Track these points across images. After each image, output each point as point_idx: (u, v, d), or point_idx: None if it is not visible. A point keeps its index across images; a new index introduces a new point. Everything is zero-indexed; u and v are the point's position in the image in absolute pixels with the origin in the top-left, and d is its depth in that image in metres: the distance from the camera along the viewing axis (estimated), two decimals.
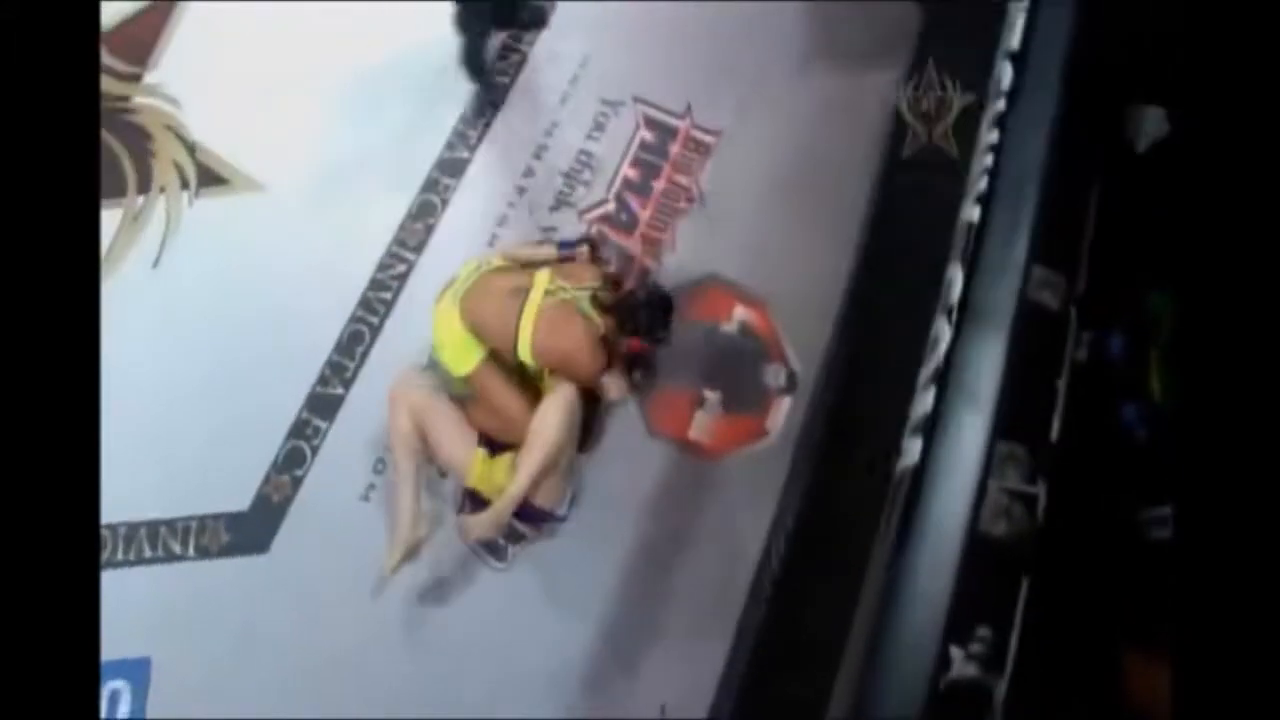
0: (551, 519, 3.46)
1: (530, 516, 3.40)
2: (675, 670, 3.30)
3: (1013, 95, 2.29)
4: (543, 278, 3.44)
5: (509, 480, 3.29)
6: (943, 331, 2.19)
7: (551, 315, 3.29)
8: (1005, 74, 2.40)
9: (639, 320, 3.35)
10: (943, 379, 2.03)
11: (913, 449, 2.07)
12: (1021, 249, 2.08)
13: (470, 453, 3.38)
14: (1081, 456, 2.22)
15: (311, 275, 3.84)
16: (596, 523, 3.51)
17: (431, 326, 3.49)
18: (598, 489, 3.55)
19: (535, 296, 3.35)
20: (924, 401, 2.13)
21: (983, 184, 2.20)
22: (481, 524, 3.25)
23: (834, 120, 3.97)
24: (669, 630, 3.39)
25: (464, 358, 3.42)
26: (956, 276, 2.24)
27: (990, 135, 2.36)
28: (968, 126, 3.01)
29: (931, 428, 1.92)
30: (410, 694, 3.28)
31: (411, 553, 3.40)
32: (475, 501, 3.40)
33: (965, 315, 2.06)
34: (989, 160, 2.27)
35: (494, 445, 3.42)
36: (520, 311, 3.31)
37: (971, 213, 2.32)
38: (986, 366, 1.98)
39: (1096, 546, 2.17)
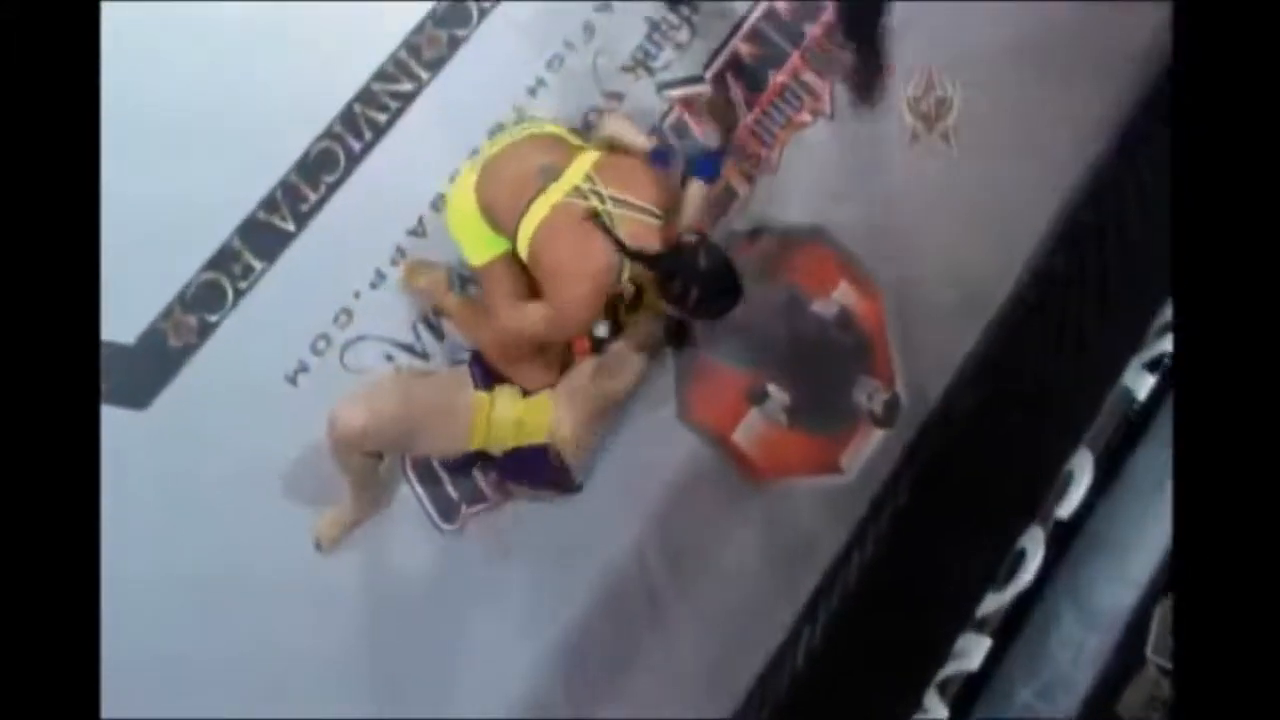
0: (566, 484, 2.75)
1: (543, 473, 2.70)
2: None
3: None
4: (583, 165, 2.50)
5: (542, 413, 2.65)
6: None
7: (564, 219, 2.45)
8: None
9: (685, 292, 2.42)
10: None
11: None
12: None
13: (465, 415, 2.60)
14: None
15: (283, 65, 2.90)
16: (576, 515, 2.80)
17: (448, 195, 2.71)
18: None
19: (561, 186, 2.48)
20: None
21: None
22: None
23: (1050, 80, 3.00)
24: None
25: (478, 245, 2.62)
26: None
27: None
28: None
29: None
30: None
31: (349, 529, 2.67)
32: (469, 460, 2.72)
33: None
34: None
35: (491, 379, 2.70)
36: (535, 196, 2.47)
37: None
38: None
39: None
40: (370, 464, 2.59)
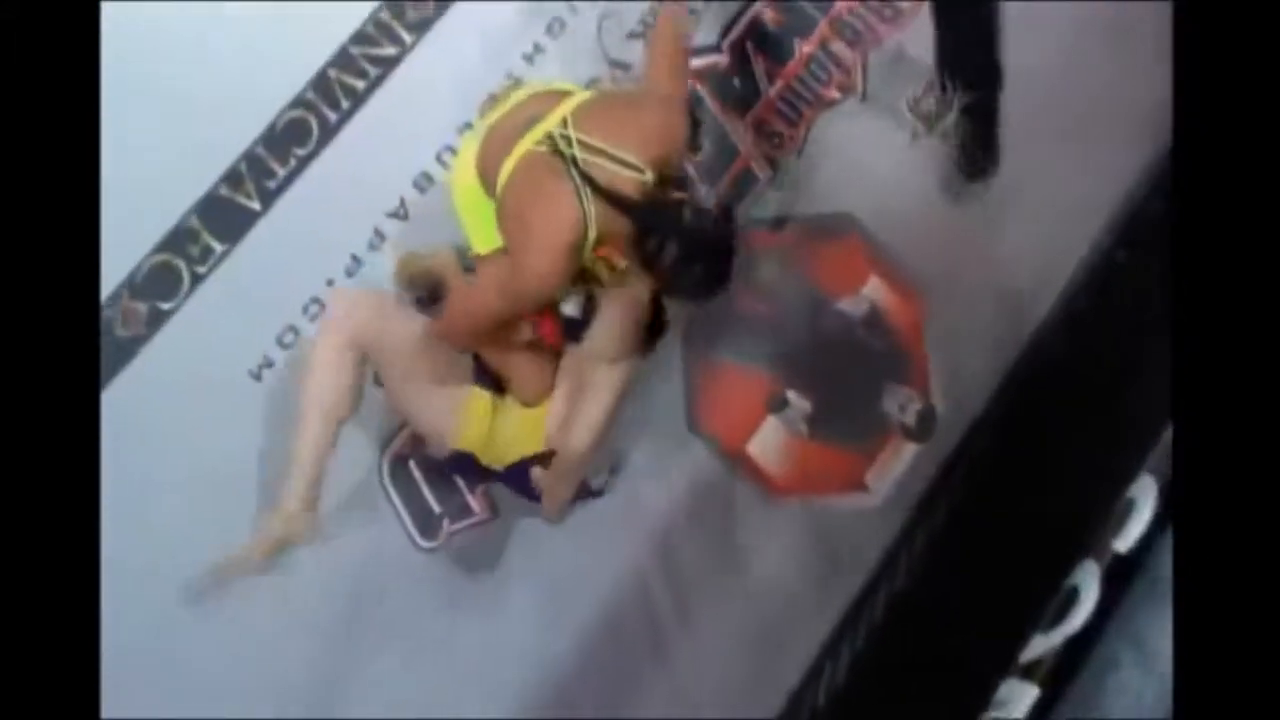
0: (585, 494, 2.51)
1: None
2: None
3: None
4: (562, 110, 2.18)
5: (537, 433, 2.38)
6: None
7: (527, 168, 2.15)
8: None
9: (659, 251, 2.07)
10: None
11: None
12: None
13: (459, 398, 2.33)
14: None
15: (249, 25, 2.63)
16: (570, 536, 2.56)
17: (452, 173, 2.44)
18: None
19: (534, 134, 2.17)
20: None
21: None
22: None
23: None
24: None
25: (482, 227, 2.29)
26: None
27: None
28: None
29: None
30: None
31: (279, 549, 2.34)
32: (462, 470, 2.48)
33: None
34: None
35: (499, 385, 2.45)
36: (515, 144, 2.18)
37: None
38: None
39: None
40: (333, 434, 2.32)
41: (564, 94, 2.26)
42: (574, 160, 2.09)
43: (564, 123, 2.14)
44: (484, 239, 2.26)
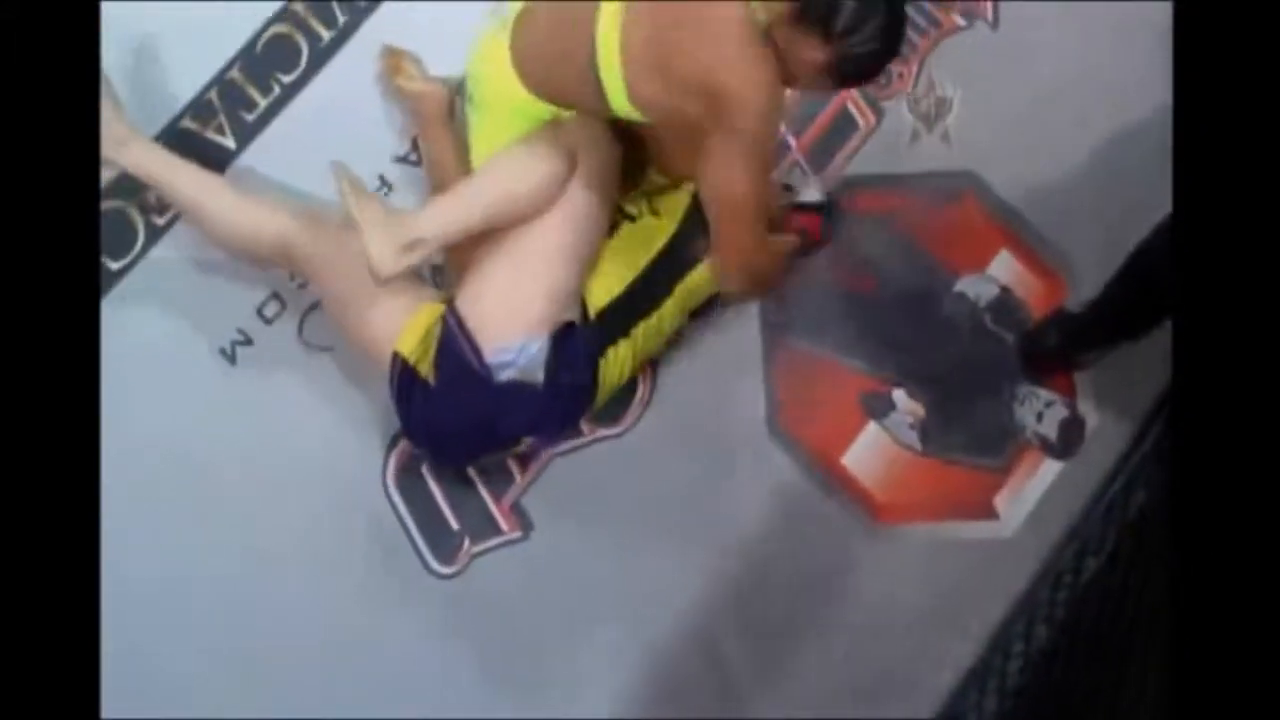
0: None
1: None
2: None
3: None
4: None
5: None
6: None
7: (658, 6, 1.86)
8: None
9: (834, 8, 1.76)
10: None
11: None
12: None
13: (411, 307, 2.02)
14: None
15: None
16: (622, 562, 2.17)
17: (467, 72, 2.10)
18: (625, 488, 2.21)
19: None
20: None
21: None
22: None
23: None
24: None
25: (515, 124, 2.03)
26: None
27: None
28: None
29: None
30: None
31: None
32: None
33: None
34: None
35: None
36: (595, 15, 1.89)
37: None
38: None
39: None
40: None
41: None
42: None
43: None
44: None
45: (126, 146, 2.03)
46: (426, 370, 1.94)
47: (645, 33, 1.83)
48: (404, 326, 1.98)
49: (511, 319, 1.92)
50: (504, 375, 1.91)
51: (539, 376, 1.92)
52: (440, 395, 1.94)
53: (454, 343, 1.91)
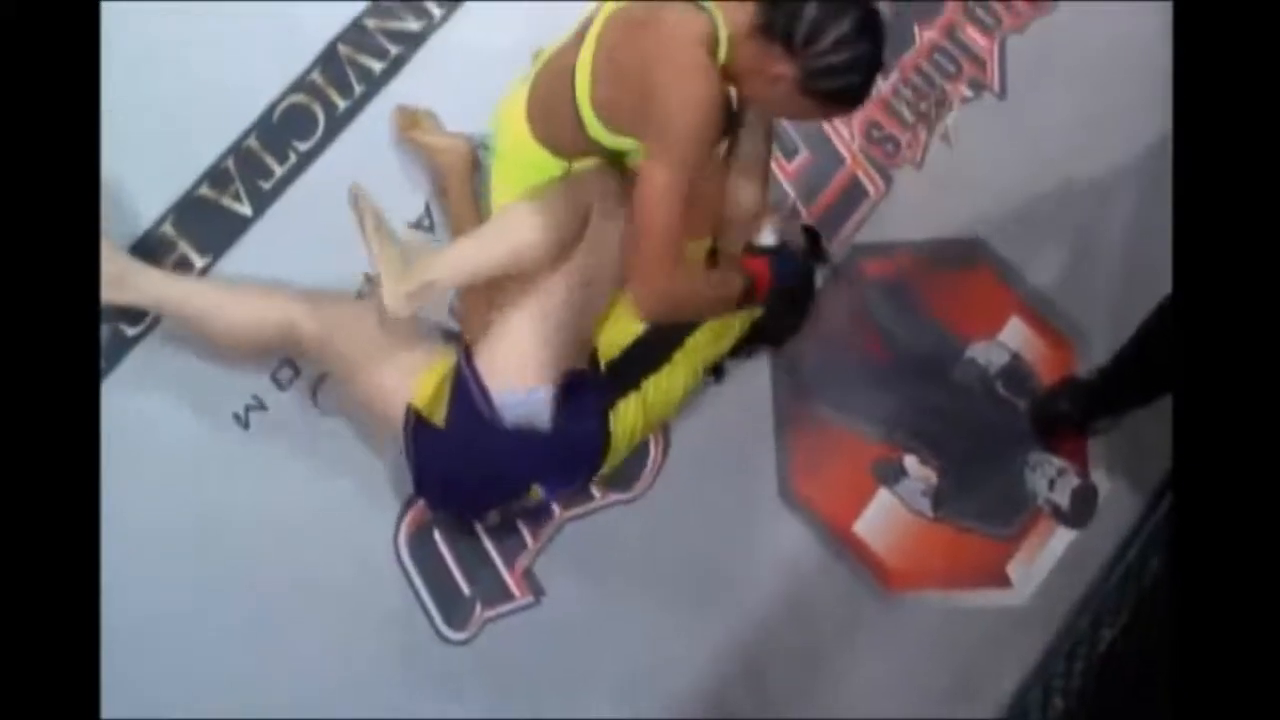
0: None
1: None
2: None
3: None
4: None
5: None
6: None
7: (629, 18, 1.87)
8: None
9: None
10: None
11: None
12: None
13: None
14: None
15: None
16: (636, 630, 2.17)
17: (491, 123, 2.18)
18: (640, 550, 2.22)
19: (598, 18, 1.95)
20: None
21: None
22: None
23: None
24: None
25: (529, 175, 2.07)
26: None
27: None
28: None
29: None
30: None
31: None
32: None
33: None
34: None
35: None
36: (580, 46, 1.94)
37: None
38: None
39: None
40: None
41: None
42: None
43: None
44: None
45: (122, 284, 2.05)
46: (438, 418, 1.95)
47: (612, 39, 1.84)
48: (418, 380, 1.98)
49: (521, 367, 1.92)
50: (511, 420, 1.92)
51: (546, 423, 1.93)
52: (449, 439, 1.95)
53: (466, 386, 1.93)
